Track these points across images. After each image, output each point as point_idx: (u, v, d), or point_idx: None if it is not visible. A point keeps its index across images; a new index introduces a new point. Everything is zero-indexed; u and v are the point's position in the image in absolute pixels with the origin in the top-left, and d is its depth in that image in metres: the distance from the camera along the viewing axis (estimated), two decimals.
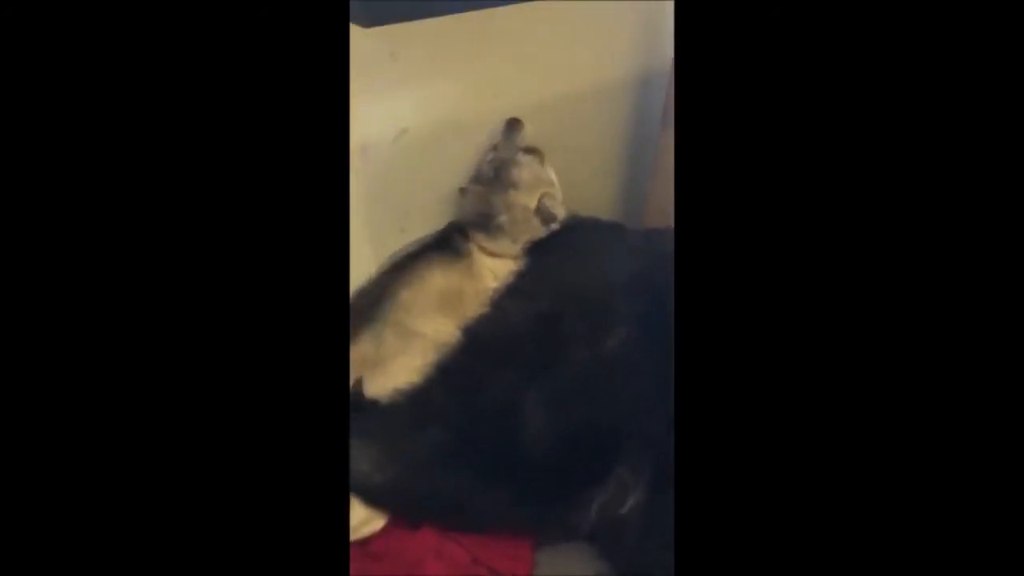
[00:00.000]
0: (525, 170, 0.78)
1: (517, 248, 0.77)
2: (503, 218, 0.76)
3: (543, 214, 0.77)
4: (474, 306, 0.74)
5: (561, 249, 0.81)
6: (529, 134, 0.79)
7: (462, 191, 0.79)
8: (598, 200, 0.91)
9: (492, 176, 0.77)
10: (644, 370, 0.67)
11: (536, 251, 0.80)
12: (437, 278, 0.73)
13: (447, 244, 0.76)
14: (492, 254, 0.77)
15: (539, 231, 0.77)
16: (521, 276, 0.78)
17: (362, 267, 0.75)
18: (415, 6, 0.62)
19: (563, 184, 0.80)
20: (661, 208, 0.90)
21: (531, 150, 0.79)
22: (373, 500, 0.68)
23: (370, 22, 0.62)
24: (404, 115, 0.70)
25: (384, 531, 0.69)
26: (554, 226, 0.79)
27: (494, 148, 0.79)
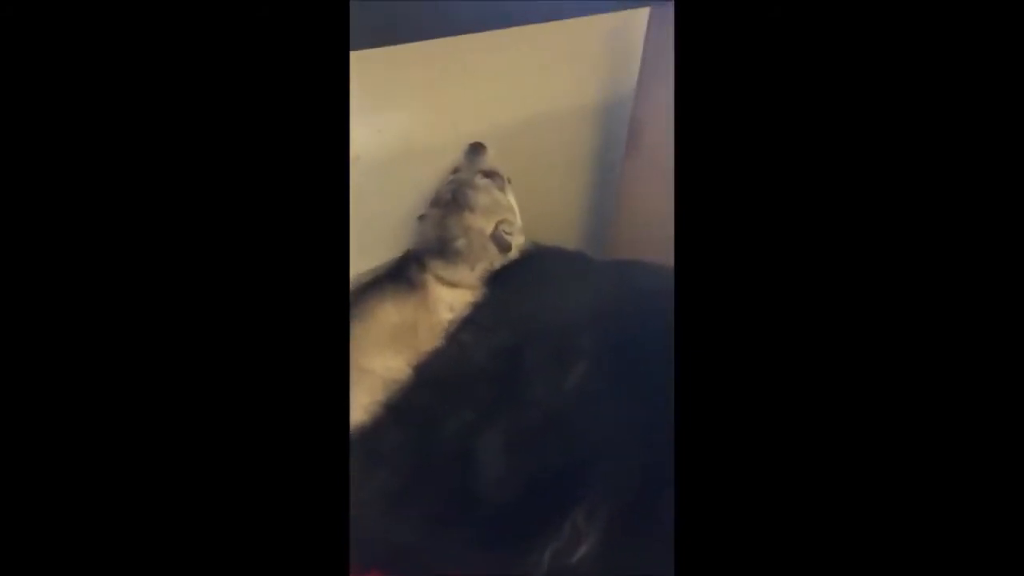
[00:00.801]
0: (483, 194, 0.75)
1: (475, 277, 0.74)
2: (460, 242, 0.74)
3: (498, 241, 0.75)
4: (428, 340, 0.71)
5: (521, 279, 0.79)
6: (491, 159, 0.77)
7: (421, 218, 0.77)
8: (562, 228, 0.89)
9: (450, 199, 0.75)
10: (604, 409, 0.66)
11: (495, 281, 0.77)
12: (389, 311, 0.70)
13: (401, 274, 0.73)
14: (449, 284, 0.75)
15: (497, 259, 0.75)
16: (479, 308, 0.75)
17: None
18: (370, 36, 0.60)
19: (525, 212, 0.79)
20: (625, 237, 0.89)
21: (490, 173, 0.76)
22: None
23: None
24: (356, 143, 0.68)
25: None
26: (512, 255, 0.77)
27: (455, 171, 0.76)
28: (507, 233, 0.75)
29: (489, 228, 0.75)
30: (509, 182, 0.78)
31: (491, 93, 0.75)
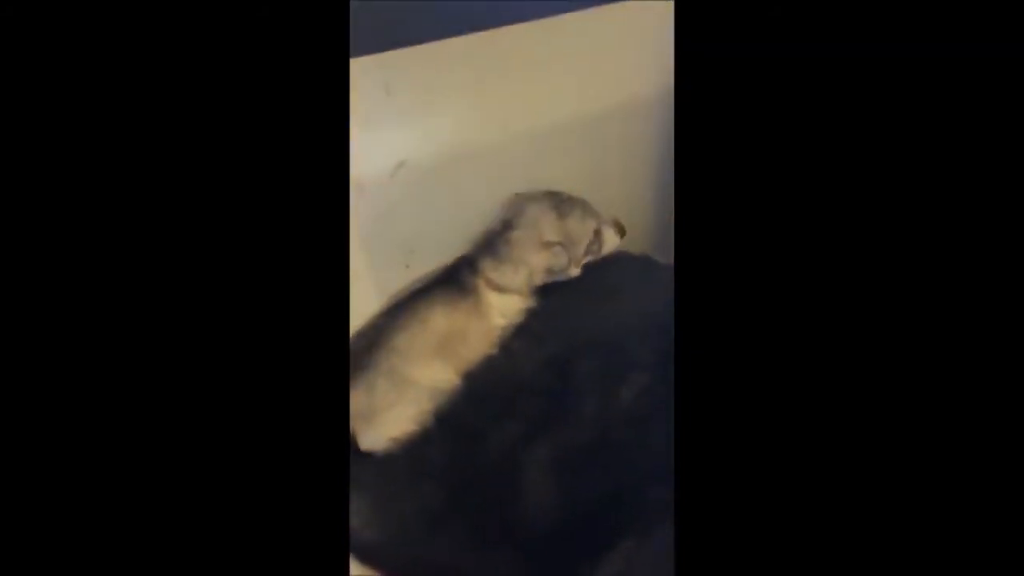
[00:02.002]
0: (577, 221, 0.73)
1: (528, 282, 0.71)
2: (516, 233, 0.71)
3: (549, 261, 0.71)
4: (478, 348, 0.68)
5: (580, 284, 0.75)
6: (541, 164, 0.73)
7: (516, 196, 0.74)
8: (629, 230, 0.84)
9: (561, 198, 0.73)
10: (659, 426, 0.60)
11: (552, 287, 0.74)
12: (438, 319, 0.68)
13: (452, 279, 0.71)
14: (500, 289, 0.72)
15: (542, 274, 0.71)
16: (532, 315, 0.72)
17: (365, 308, 0.71)
18: (407, 32, 0.58)
19: None
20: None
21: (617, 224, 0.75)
22: (363, 556, 0.64)
23: (360, 51, 0.58)
24: (401, 148, 0.66)
25: None
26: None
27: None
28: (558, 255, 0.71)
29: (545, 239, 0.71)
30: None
31: (536, 90, 0.71)
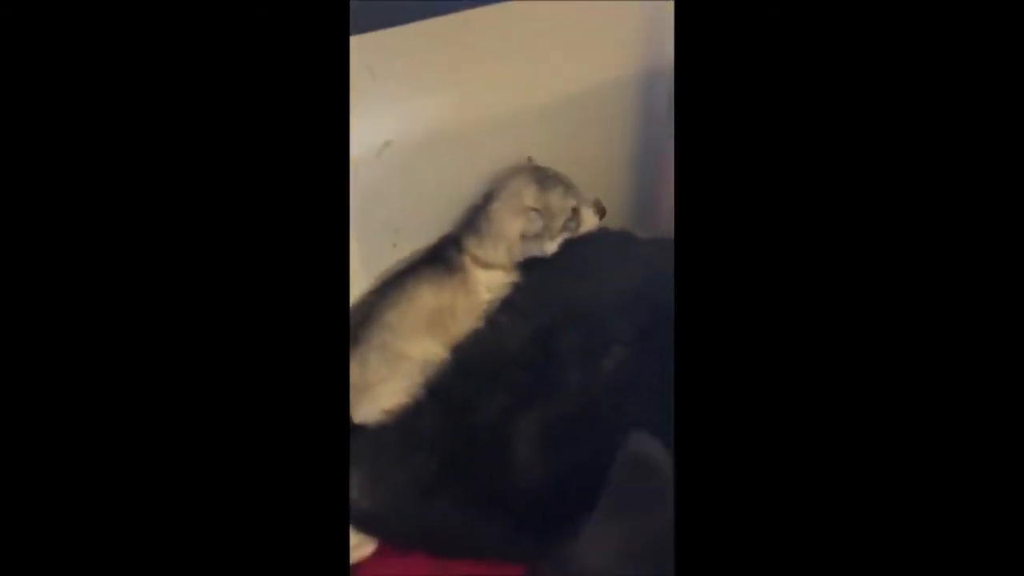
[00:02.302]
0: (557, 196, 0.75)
1: (507, 257, 0.73)
2: (496, 204, 0.73)
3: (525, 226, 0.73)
4: (466, 323, 0.71)
5: (562, 260, 0.77)
6: (523, 142, 0.75)
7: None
8: (607, 205, 0.86)
9: (543, 172, 0.74)
10: (641, 396, 0.64)
11: (535, 262, 0.76)
12: (426, 296, 0.70)
13: (438, 257, 0.73)
14: (485, 265, 0.74)
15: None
16: (517, 289, 0.74)
17: (354, 287, 0.73)
18: (390, 13, 0.59)
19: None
20: (669, 214, 0.85)
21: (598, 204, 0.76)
22: (362, 526, 0.67)
23: None
24: (387, 128, 0.67)
25: (374, 556, 0.68)
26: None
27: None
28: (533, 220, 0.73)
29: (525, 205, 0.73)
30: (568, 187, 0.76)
31: (518, 70, 0.72)
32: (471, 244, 0.73)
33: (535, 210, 0.73)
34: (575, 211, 0.75)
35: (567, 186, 0.75)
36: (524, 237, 0.73)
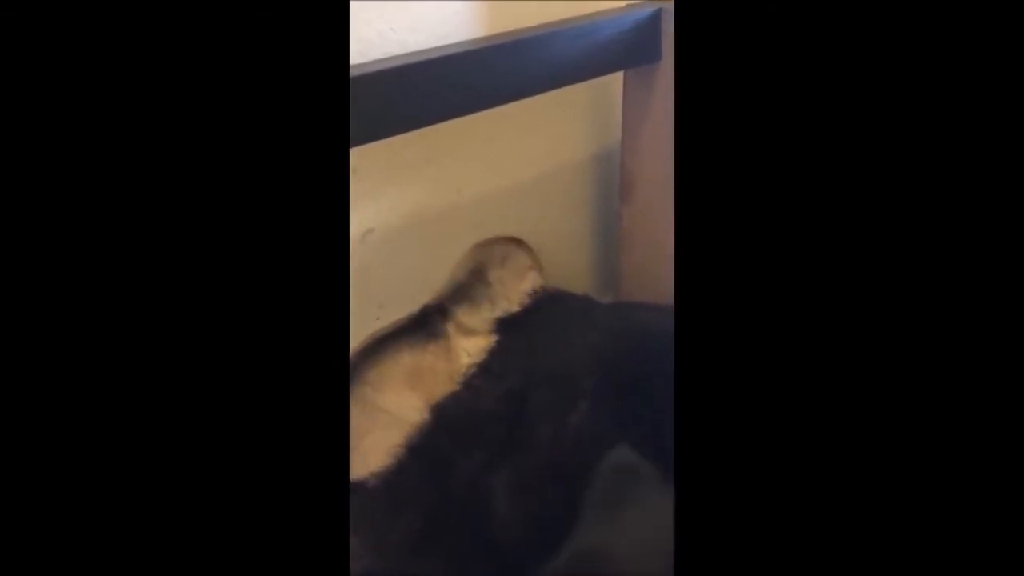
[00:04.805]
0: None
1: (491, 322, 0.81)
2: (495, 273, 0.81)
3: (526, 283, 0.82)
4: (445, 386, 0.78)
5: (531, 324, 0.86)
6: (493, 222, 0.84)
7: (475, 247, 0.83)
8: (572, 274, 0.96)
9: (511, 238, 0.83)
10: (602, 445, 0.70)
11: (507, 327, 0.84)
12: (406, 357, 0.77)
13: (423, 325, 0.81)
14: (469, 331, 0.82)
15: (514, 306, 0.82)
16: (491, 354, 0.82)
17: None
18: (366, 128, 0.68)
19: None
20: (631, 281, 0.94)
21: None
22: None
23: None
24: (369, 218, 0.77)
25: None
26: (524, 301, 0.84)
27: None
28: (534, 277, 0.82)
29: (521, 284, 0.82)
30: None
31: (487, 162, 0.82)
32: (460, 312, 0.81)
33: (531, 269, 0.83)
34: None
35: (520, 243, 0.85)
36: (532, 295, 0.83)
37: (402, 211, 0.79)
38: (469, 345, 0.82)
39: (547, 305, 0.87)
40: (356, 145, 0.64)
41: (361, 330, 0.82)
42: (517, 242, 0.86)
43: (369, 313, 0.83)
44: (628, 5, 0.79)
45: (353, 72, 0.61)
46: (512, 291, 0.82)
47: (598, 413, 0.73)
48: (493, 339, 0.83)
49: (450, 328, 0.82)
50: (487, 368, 0.81)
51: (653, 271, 0.91)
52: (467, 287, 0.82)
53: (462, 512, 0.70)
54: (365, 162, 0.72)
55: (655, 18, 0.76)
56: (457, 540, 0.69)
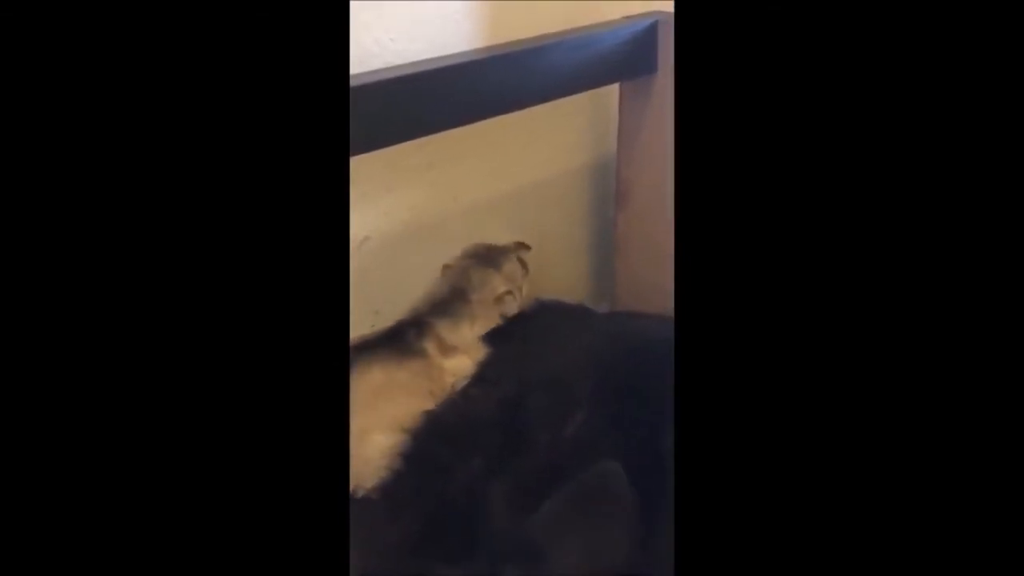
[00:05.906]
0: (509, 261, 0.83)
1: (476, 338, 0.81)
2: (475, 296, 0.81)
3: (502, 307, 0.81)
4: (422, 404, 0.76)
5: (526, 332, 0.86)
6: (489, 229, 0.85)
7: (445, 268, 0.82)
8: (569, 279, 0.96)
9: (483, 253, 0.81)
10: (600, 454, 0.71)
11: (500, 336, 0.84)
12: (376, 373, 0.74)
13: (397, 340, 0.77)
14: (449, 349, 0.79)
15: (496, 321, 0.82)
16: (485, 365, 0.82)
17: None
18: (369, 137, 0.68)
19: (535, 269, 0.86)
20: (626, 290, 0.95)
21: (522, 245, 0.84)
22: None
23: None
24: (366, 225, 0.77)
25: None
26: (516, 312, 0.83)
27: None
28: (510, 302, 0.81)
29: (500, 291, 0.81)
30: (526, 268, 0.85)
31: (485, 168, 0.83)
32: (441, 327, 0.78)
33: (507, 292, 0.81)
34: (521, 261, 0.84)
35: (504, 251, 0.83)
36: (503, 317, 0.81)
37: (399, 218, 0.79)
38: (453, 365, 0.79)
39: (539, 314, 0.87)
40: (356, 154, 0.65)
41: (356, 336, 0.82)
42: (502, 252, 0.83)
43: (365, 319, 0.83)
44: (624, 17, 0.80)
45: (352, 82, 0.62)
46: (492, 311, 0.81)
47: (595, 418, 0.73)
48: (483, 351, 0.82)
49: (429, 346, 0.79)
50: (482, 377, 0.82)
51: (648, 275, 0.92)
52: (446, 304, 0.80)
53: (458, 517, 0.70)
54: (362, 168, 0.72)
55: (651, 31, 0.78)
56: (455, 544, 0.69)
